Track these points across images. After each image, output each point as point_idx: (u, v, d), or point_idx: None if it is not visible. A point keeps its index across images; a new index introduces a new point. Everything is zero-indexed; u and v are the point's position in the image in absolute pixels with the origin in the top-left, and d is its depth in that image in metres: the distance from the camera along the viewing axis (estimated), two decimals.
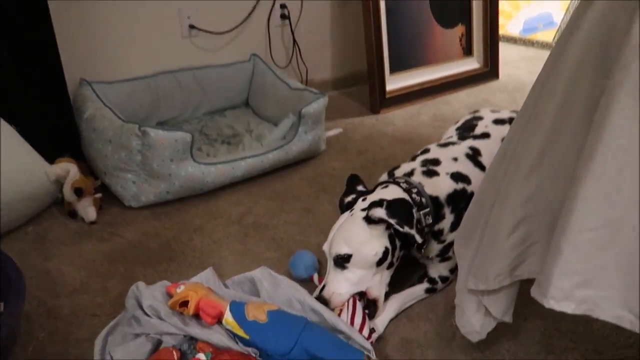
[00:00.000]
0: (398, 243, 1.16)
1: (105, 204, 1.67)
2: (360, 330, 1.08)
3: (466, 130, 1.52)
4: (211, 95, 2.25)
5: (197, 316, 1.00)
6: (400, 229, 1.10)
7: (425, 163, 1.33)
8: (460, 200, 1.25)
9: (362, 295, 1.16)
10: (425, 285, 1.30)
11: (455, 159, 1.34)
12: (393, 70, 2.55)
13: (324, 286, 1.14)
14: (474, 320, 0.95)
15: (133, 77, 2.07)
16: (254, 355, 0.94)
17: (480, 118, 1.56)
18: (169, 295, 1.03)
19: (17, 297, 1.08)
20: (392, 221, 1.09)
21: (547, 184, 0.76)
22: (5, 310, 1.05)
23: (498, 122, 1.52)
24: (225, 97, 2.30)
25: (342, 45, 2.76)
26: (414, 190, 1.20)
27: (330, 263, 1.16)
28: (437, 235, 1.25)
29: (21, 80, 1.61)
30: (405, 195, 1.19)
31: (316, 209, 1.68)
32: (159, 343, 0.98)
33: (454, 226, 1.24)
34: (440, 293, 1.30)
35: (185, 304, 0.99)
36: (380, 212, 1.11)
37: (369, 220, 1.13)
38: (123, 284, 1.32)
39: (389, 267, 1.17)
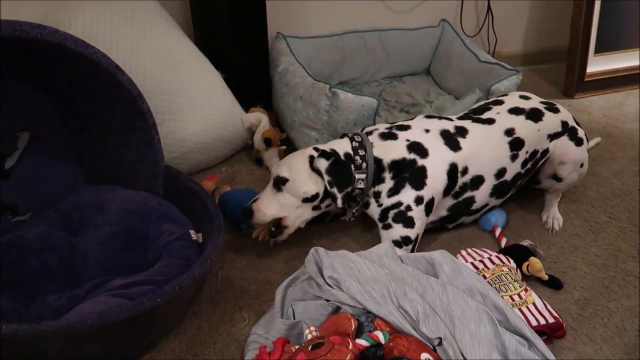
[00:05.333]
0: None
1: None
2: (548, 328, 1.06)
3: (476, 112, 1.42)
4: (394, 59, 2.21)
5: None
6: (328, 188, 1.21)
7: (393, 127, 1.32)
8: (404, 169, 1.25)
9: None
10: None
11: (427, 131, 1.29)
12: (599, 50, 2.24)
13: (256, 199, 1.27)
14: None
15: (322, 34, 2.11)
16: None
17: (500, 102, 1.44)
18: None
19: (218, 232, 1.19)
20: (327, 178, 1.21)
21: None
22: (209, 244, 1.17)
23: (513, 111, 1.39)
24: (406, 63, 2.24)
25: (541, 16, 2.48)
26: (360, 152, 1.25)
27: (270, 182, 1.27)
28: (377, 197, 1.28)
29: (232, 32, 1.72)
30: (350, 152, 1.25)
31: None
32: (337, 309, 1.03)
33: (391, 192, 1.26)
34: None
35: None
36: (322, 165, 1.21)
37: (312, 162, 1.23)
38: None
39: (313, 209, 1.27)
